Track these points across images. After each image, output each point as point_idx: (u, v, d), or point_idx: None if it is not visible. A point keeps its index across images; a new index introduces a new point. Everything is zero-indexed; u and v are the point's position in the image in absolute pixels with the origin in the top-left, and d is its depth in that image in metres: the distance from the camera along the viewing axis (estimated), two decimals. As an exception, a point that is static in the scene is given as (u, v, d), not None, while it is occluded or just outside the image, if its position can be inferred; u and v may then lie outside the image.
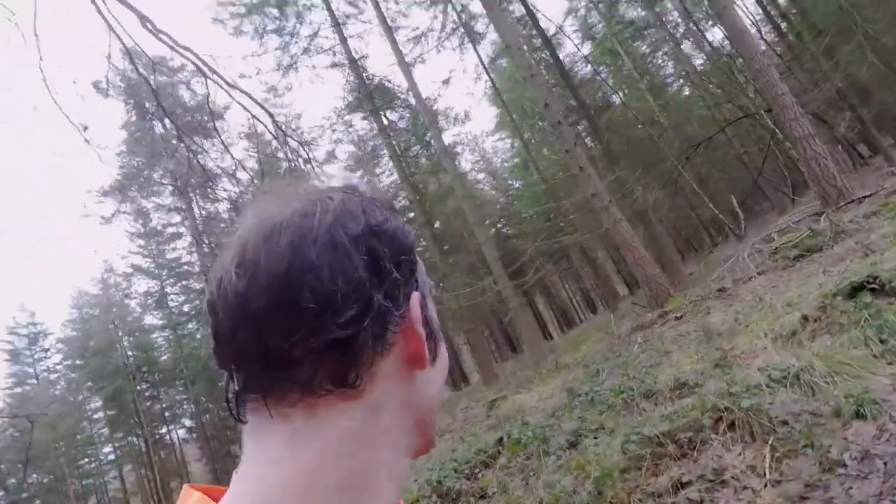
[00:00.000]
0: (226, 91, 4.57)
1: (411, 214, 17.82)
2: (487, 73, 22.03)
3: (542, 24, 18.15)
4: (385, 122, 20.04)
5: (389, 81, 19.36)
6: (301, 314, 0.35)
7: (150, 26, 4.02)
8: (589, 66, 22.23)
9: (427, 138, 21.01)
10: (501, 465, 4.28)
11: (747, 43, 9.44)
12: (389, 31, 15.50)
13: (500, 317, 29.28)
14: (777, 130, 12.21)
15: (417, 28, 18.63)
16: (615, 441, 3.27)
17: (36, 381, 28.26)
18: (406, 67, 15.37)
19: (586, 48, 22.59)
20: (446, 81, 21.05)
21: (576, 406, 4.76)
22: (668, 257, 14.27)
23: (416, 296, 0.42)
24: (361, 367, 0.37)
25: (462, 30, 19.63)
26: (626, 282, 27.85)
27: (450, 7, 18.43)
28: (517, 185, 31.68)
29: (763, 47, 9.35)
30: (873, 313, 3.31)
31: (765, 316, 4.71)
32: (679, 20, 22.28)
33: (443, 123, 23.70)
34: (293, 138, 6.36)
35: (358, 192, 0.44)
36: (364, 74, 18.17)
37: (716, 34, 20.75)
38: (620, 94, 22.29)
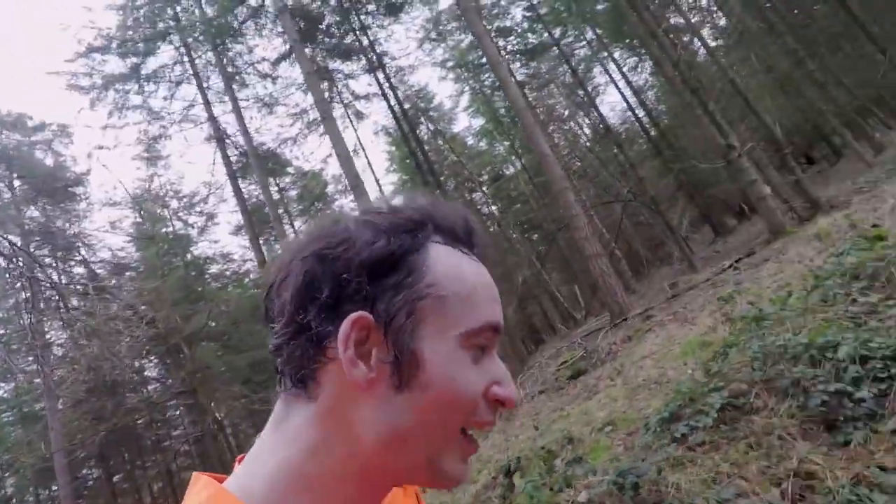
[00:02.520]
0: None
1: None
2: (365, 153, 22.95)
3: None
4: (276, 188, 20.34)
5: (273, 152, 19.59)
6: (266, 322, 0.47)
7: None
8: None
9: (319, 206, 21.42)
10: None
11: (549, 166, 10.50)
12: (241, 120, 15.55)
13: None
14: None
15: (297, 105, 19.27)
16: None
17: None
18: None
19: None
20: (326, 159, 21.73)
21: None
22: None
23: (353, 316, 0.42)
24: (304, 373, 0.43)
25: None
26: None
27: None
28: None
29: (562, 172, 10.39)
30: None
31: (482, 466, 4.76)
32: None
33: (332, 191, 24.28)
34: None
35: (371, 213, 0.48)
36: (252, 143, 18.10)
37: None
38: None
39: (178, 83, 18.27)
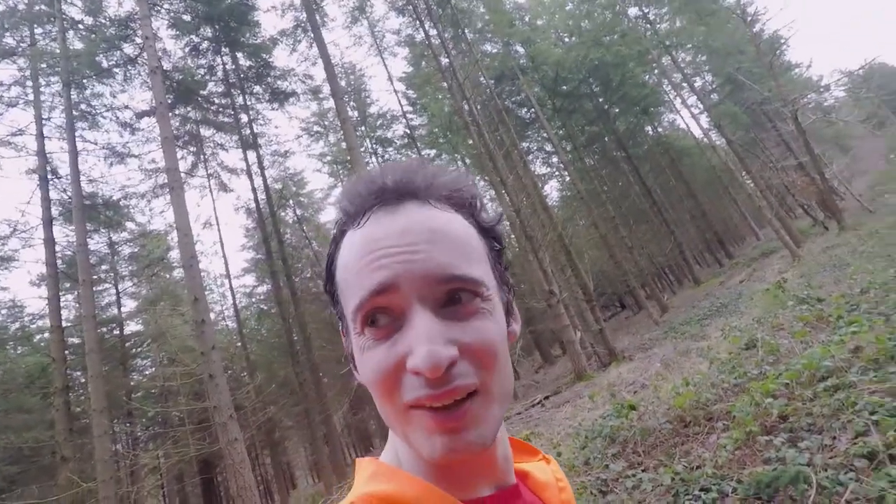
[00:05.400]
0: None
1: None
2: (219, 227, 21.54)
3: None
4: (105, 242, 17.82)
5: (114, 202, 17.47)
6: None
7: None
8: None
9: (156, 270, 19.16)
10: None
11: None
12: (75, 163, 13.91)
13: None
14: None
15: (154, 162, 17.87)
16: None
17: None
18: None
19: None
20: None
21: None
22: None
23: (342, 328, 0.48)
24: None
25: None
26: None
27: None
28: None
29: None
30: None
31: None
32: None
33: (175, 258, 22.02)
34: None
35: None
36: (80, 191, 15.82)
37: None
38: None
39: (12, 105, 16.11)
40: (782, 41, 22.35)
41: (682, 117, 30.82)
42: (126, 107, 16.65)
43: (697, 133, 28.54)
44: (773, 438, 3.07)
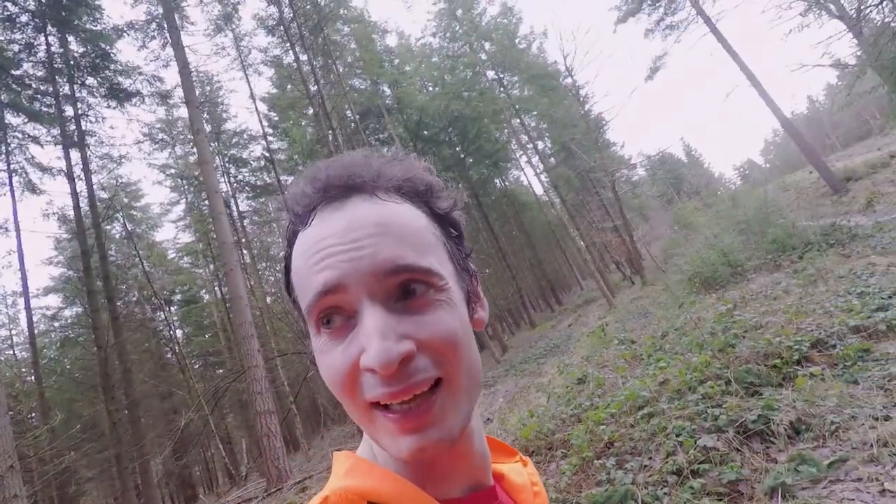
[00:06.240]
0: None
1: None
2: (18, 234, 17.57)
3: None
4: None
5: None
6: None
7: None
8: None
9: None
10: None
11: (240, 309, 10.03)
12: None
13: None
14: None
15: None
16: None
17: None
18: None
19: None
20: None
21: None
22: None
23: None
24: None
25: None
26: None
27: None
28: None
29: (250, 318, 9.98)
30: None
31: None
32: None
33: None
34: None
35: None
36: None
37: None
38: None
39: None
40: (605, 122, 26.78)
41: (525, 175, 34.67)
42: None
43: (538, 190, 32.25)
44: (604, 462, 3.50)
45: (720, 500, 2.66)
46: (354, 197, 0.43)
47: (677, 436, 3.33)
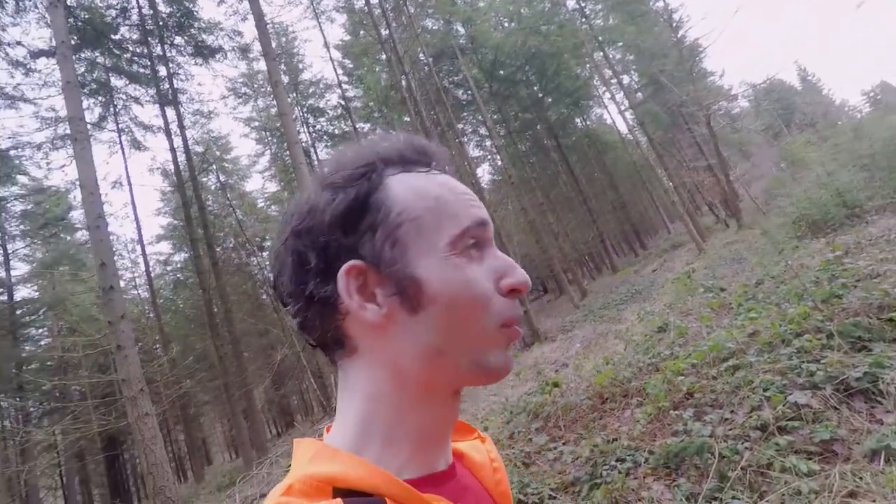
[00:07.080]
0: None
1: None
2: (131, 188, 19.72)
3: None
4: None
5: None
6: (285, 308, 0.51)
7: None
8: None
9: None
10: None
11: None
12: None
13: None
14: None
15: (53, 109, 15.69)
16: None
17: None
18: None
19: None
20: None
21: None
22: None
23: (344, 267, 0.44)
24: (330, 335, 0.47)
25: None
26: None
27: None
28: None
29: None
30: None
31: None
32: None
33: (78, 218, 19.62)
34: None
35: (326, 176, 0.49)
36: None
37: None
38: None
39: None
40: (701, 49, 23.98)
41: (609, 112, 32.39)
42: (18, 43, 14.60)
43: (622, 129, 30.14)
44: (681, 413, 3.36)
45: (809, 458, 2.46)
46: (448, 168, 0.52)
47: (765, 390, 3.10)
